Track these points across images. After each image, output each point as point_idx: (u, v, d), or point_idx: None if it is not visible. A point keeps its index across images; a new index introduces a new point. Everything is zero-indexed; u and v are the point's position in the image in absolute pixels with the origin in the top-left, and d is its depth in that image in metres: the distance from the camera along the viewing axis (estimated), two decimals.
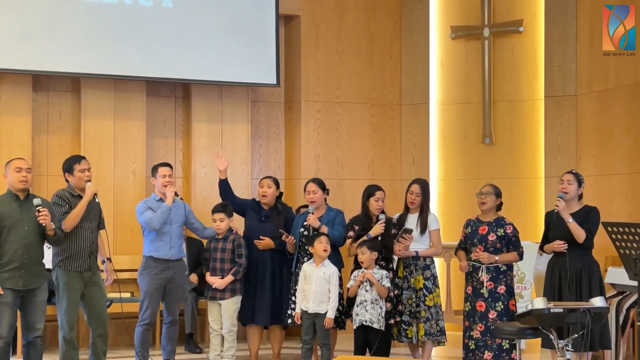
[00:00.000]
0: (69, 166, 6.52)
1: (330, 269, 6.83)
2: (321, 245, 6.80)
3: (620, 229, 5.19)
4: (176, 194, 7.17)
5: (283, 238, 7.09)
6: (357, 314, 6.70)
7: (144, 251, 7.11)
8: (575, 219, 6.48)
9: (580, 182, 6.63)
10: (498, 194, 6.88)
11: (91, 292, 6.47)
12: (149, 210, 7.01)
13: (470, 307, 6.80)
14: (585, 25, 9.02)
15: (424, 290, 6.94)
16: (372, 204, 6.99)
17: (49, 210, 6.11)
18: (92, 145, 8.43)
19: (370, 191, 7.05)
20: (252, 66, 8.97)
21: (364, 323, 6.66)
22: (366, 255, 6.71)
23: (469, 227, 6.90)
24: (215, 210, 7.25)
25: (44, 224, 6.06)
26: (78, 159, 6.58)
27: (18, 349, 7.33)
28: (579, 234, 6.46)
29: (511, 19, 9.40)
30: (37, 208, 6.05)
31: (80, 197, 6.45)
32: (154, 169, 7.23)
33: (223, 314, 7.14)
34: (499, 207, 6.90)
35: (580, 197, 6.67)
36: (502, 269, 6.77)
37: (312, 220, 7.04)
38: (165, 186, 7.09)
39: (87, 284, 6.44)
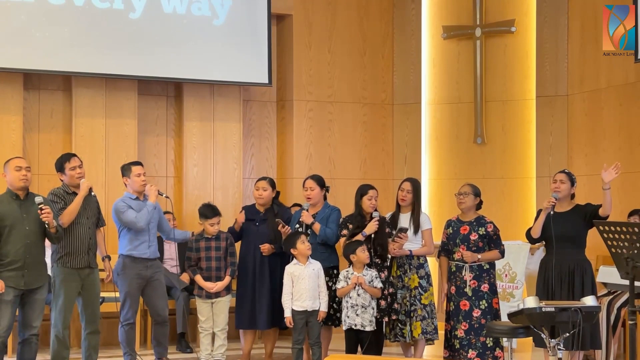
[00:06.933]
0: (59, 165, 6.52)
1: (317, 265, 6.86)
2: (304, 245, 6.79)
3: (612, 228, 5.20)
4: (160, 193, 7.04)
5: (279, 228, 7.05)
6: (347, 316, 6.70)
7: (121, 250, 6.91)
8: (571, 218, 6.50)
9: (572, 182, 6.64)
10: (477, 194, 6.89)
11: (87, 290, 6.46)
12: (130, 210, 6.83)
13: (453, 306, 6.81)
14: (577, 25, 9.04)
15: (419, 289, 6.94)
16: (365, 203, 6.98)
17: (50, 208, 6.11)
18: (83, 144, 8.41)
19: (363, 190, 7.04)
20: (244, 65, 8.96)
21: (354, 327, 6.67)
22: (363, 255, 6.68)
23: (450, 228, 6.91)
24: (208, 216, 7.13)
25: (47, 222, 6.05)
26: (68, 157, 6.56)
27: (9, 349, 7.30)
28: (609, 206, 6.41)
29: (503, 19, 9.41)
30: (40, 206, 6.04)
31: (75, 194, 6.46)
32: (126, 168, 6.98)
33: (217, 312, 7.12)
34: (478, 206, 6.91)
35: (572, 196, 6.68)
36: (485, 268, 6.79)
37: (305, 217, 7.05)
38: (144, 185, 6.92)
39: (84, 282, 6.42)
